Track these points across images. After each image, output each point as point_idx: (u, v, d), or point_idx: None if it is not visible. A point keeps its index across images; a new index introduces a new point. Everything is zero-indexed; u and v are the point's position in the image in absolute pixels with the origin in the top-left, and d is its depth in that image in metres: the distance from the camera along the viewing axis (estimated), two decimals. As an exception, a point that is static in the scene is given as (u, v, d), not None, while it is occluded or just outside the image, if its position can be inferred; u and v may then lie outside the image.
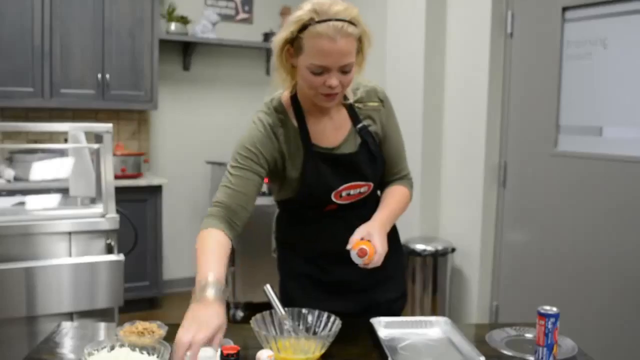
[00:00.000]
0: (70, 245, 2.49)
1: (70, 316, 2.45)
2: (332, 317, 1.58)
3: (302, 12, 1.52)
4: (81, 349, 1.48)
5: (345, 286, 1.82)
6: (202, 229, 1.59)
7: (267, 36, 5.19)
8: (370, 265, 1.58)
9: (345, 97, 1.73)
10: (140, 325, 1.63)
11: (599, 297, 2.95)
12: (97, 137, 2.70)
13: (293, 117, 1.71)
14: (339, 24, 1.48)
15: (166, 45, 4.79)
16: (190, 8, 4.95)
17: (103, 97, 4.38)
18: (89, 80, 4.33)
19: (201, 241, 1.55)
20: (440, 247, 3.62)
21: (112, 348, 1.45)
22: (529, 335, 1.71)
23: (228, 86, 5.23)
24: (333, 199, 1.72)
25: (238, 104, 5.27)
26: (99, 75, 4.35)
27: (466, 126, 3.66)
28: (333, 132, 1.74)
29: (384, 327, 1.69)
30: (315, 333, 1.58)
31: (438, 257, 3.62)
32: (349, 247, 1.58)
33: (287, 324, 1.57)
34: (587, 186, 3.01)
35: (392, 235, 1.92)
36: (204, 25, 4.83)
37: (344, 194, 1.73)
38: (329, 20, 1.48)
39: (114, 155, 4.21)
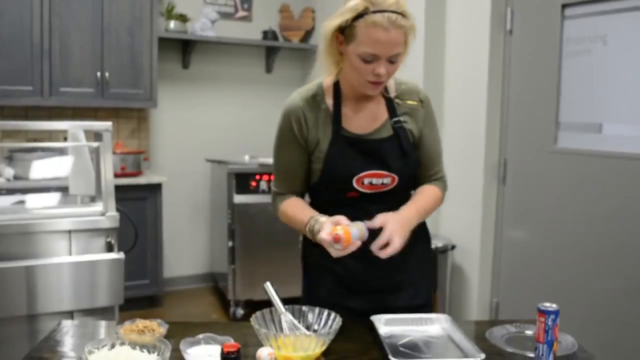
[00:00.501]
0: (70, 244, 2.49)
1: (70, 314, 2.45)
2: (332, 315, 1.58)
3: (357, 2, 1.58)
4: (82, 347, 1.48)
5: (364, 284, 1.83)
6: (277, 210, 1.86)
7: (266, 34, 5.19)
8: (384, 255, 1.59)
9: (386, 90, 1.78)
10: (140, 323, 1.64)
11: (599, 293, 2.95)
12: (97, 136, 2.70)
13: (330, 100, 1.77)
14: (393, 15, 1.55)
15: (165, 43, 4.79)
16: (189, 6, 4.94)
17: (102, 95, 4.38)
18: (88, 78, 4.33)
19: (286, 212, 1.81)
20: (440, 244, 3.62)
21: (113, 346, 1.45)
22: (529, 332, 1.71)
23: (227, 84, 5.23)
24: (354, 184, 1.74)
25: (237, 101, 5.28)
26: (99, 74, 4.35)
27: (466, 123, 3.66)
28: (367, 120, 1.78)
29: (384, 324, 1.69)
30: (315, 330, 1.58)
31: (438, 254, 3.62)
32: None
33: (287, 321, 1.57)
34: (586, 183, 3.01)
35: (422, 243, 1.93)
36: (203, 23, 4.83)
37: (365, 181, 1.74)
38: (384, 11, 1.54)
39: (114, 153, 4.21)
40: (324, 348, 1.49)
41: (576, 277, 3.06)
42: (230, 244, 4.26)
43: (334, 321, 1.56)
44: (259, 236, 4.30)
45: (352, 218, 1.66)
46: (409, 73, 1.80)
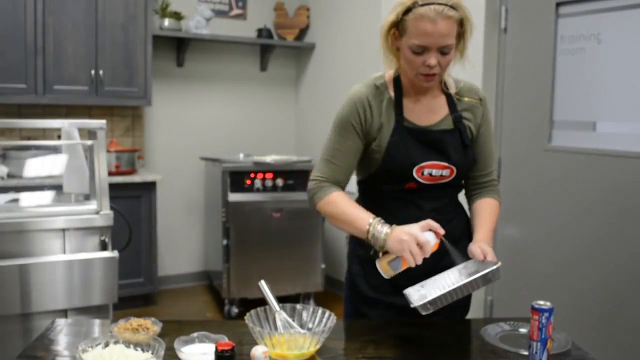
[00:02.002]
0: (65, 242, 2.49)
1: (64, 313, 2.44)
2: (327, 313, 1.59)
3: None
4: (75, 345, 1.48)
5: (410, 281, 1.79)
6: (322, 197, 1.78)
7: (261, 32, 5.18)
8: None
9: (445, 86, 1.82)
10: (134, 321, 1.64)
11: (593, 291, 2.96)
12: (91, 134, 2.69)
13: (392, 93, 1.80)
14: (440, 7, 1.59)
15: (160, 41, 4.78)
16: (183, 4, 4.93)
17: (97, 93, 4.37)
18: (82, 76, 4.32)
19: (335, 205, 1.76)
20: (434, 243, 3.62)
21: (107, 345, 1.45)
22: (523, 330, 1.71)
23: (222, 82, 5.22)
24: (414, 174, 1.76)
25: (232, 100, 5.27)
26: (93, 72, 4.33)
27: (460, 122, 3.67)
28: (428, 114, 1.81)
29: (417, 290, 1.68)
30: (309, 329, 1.58)
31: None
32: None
33: (282, 319, 1.57)
34: (581, 181, 3.02)
35: (465, 242, 1.92)
36: (197, 21, 4.82)
37: (425, 172, 1.76)
38: (431, 3, 1.59)
39: (108, 151, 4.20)
40: (318, 346, 1.49)
41: (570, 275, 3.07)
42: (224, 242, 4.26)
43: (329, 319, 1.56)
44: (254, 234, 4.30)
45: (406, 212, 1.76)
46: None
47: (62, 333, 1.71)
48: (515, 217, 3.42)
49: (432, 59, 1.64)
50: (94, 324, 1.88)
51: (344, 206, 1.75)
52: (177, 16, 4.81)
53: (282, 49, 5.39)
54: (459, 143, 1.79)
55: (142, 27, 4.47)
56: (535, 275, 3.28)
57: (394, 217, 1.79)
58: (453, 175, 1.80)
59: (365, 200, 1.91)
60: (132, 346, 1.46)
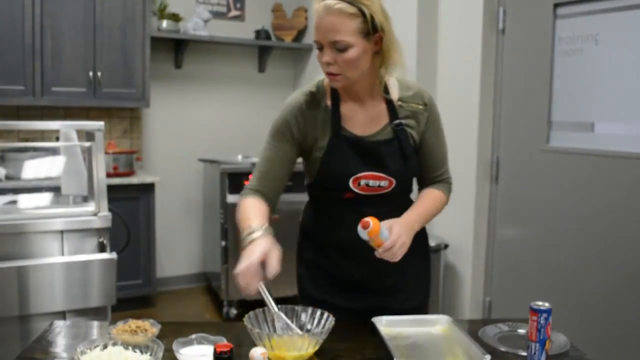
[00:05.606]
0: (63, 244, 2.49)
1: (63, 315, 2.44)
2: (326, 314, 1.58)
3: None
4: (74, 347, 1.48)
5: (357, 285, 1.81)
6: (240, 200, 1.80)
7: (259, 33, 5.18)
8: (388, 256, 1.55)
9: (386, 91, 1.75)
10: (133, 323, 1.63)
11: (592, 292, 2.96)
12: (89, 135, 2.69)
13: (329, 99, 1.75)
14: (329, 2, 1.55)
15: (158, 42, 4.77)
16: (181, 5, 4.93)
17: (95, 95, 4.36)
18: (80, 78, 4.31)
19: (238, 211, 1.74)
20: (433, 244, 3.62)
21: (105, 347, 1.45)
22: (521, 331, 1.71)
23: (220, 84, 5.22)
24: (351, 185, 1.72)
25: (230, 101, 5.27)
26: (91, 73, 4.33)
27: (458, 122, 3.67)
28: (366, 122, 1.75)
29: (385, 325, 1.65)
30: (308, 330, 1.58)
31: (431, 254, 3.61)
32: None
33: (281, 321, 1.57)
34: (579, 182, 3.02)
35: (421, 246, 1.89)
36: (195, 23, 4.82)
37: (362, 182, 1.72)
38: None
39: (106, 153, 4.19)
40: (316, 348, 1.49)
41: (568, 276, 3.08)
42: (223, 243, 4.26)
43: (327, 321, 1.56)
44: (252, 236, 4.29)
45: (347, 219, 1.67)
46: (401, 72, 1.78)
47: (61, 335, 1.71)
48: (514, 217, 3.42)
49: (325, 56, 1.59)
50: (93, 325, 1.88)
51: (242, 213, 1.73)
52: (175, 18, 4.81)
53: (280, 50, 5.39)
54: (398, 153, 1.73)
55: (140, 28, 4.47)
56: (534, 275, 3.28)
57: (339, 222, 1.77)
58: (392, 187, 1.74)
59: (312, 204, 1.90)
60: (130, 348, 1.46)
